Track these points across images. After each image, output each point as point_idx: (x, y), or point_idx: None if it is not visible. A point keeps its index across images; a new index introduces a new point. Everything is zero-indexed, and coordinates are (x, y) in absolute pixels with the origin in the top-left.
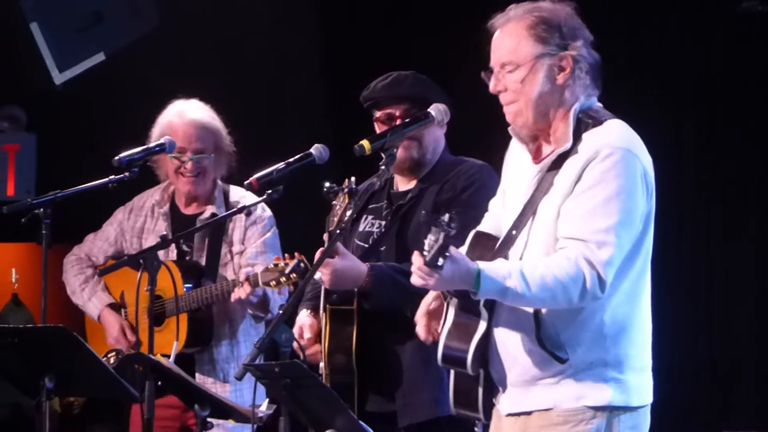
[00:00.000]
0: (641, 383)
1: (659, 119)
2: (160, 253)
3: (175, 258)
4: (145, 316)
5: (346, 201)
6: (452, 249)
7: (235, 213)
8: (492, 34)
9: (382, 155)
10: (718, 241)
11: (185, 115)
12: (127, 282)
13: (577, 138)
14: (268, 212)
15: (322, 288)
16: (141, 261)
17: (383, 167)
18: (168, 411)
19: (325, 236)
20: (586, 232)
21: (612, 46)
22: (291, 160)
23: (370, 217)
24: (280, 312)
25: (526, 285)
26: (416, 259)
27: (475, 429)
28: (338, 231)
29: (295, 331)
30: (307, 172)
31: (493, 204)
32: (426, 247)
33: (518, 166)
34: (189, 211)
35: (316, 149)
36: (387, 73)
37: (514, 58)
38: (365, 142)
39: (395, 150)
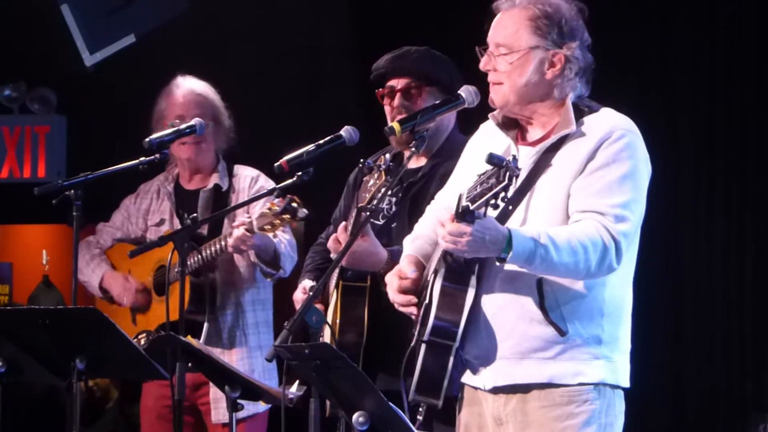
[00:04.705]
0: (626, 366)
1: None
2: (165, 226)
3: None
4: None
5: (383, 178)
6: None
7: (265, 195)
8: (495, 13)
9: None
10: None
11: (183, 84)
12: (132, 263)
13: (577, 122)
14: (271, 183)
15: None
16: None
17: (413, 149)
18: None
19: (353, 211)
20: (603, 206)
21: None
22: (321, 141)
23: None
24: (310, 293)
25: (554, 247)
26: (445, 222)
27: (420, 409)
28: (368, 213)
29: (299, 292)
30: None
31: (448, 190)
32: (467, 194)
33: (490, 149)
34: (192, 186)
35: (346, 131)
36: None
37: (510, 42)
38: (396, 124)
39: (426, 132)
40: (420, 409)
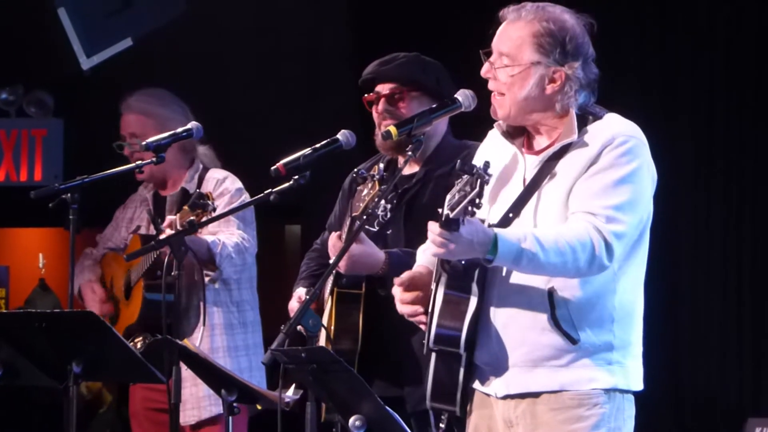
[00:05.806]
0: (638, 370)
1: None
2: (142, 229)
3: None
4: (121, 293)
5: (376, 188)
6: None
7: (260, 199)
8: (501, 21)
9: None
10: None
11: (124, 104)
12: (115, 269)
13: (580, 130)
14: (238, 184)
15: (333, 271)
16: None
17: (410, 153)
18: (164, 395)
19: (347, 220)
20: (595, 207)
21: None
22: (318, 145)
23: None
24: (307, 297)
25: (540, 248)
26: (432, 225)
27: (442, 417)
28: (364, 217)
29: (294, 301)
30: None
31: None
32: (447, 202)
33: (497, 158)
34: (166, 192)
35: (342, 135)
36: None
37: (513, 54)
38: (392, 128)
39: (422, 136)
40: (442, 417)
